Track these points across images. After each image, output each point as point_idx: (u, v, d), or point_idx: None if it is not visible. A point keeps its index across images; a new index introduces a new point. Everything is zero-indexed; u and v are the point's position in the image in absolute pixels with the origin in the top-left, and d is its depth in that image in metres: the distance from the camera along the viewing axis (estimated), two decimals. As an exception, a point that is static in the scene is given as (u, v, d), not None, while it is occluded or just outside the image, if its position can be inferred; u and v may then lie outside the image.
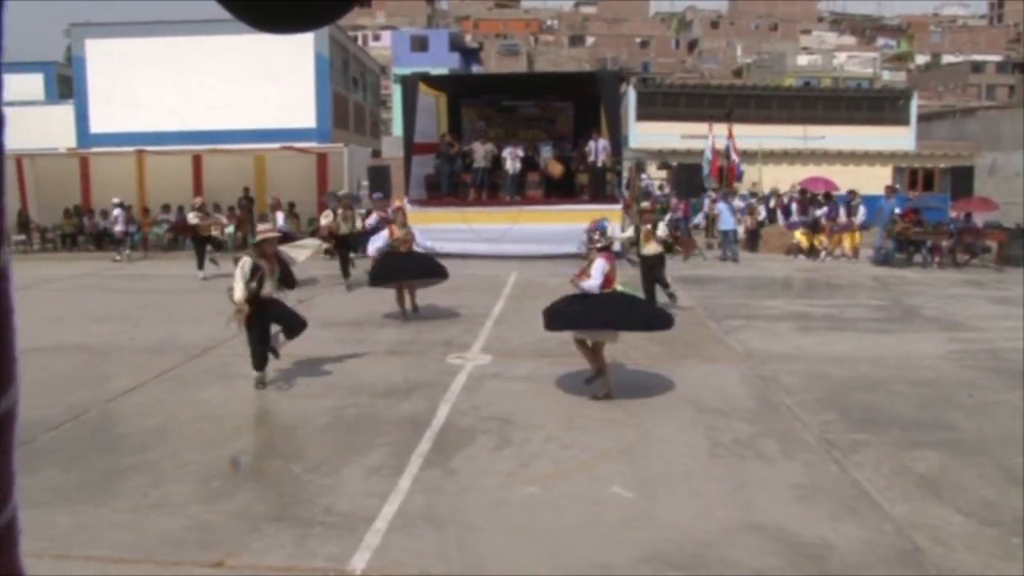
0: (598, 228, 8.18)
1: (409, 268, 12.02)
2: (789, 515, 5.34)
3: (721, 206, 20.98)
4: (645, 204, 14.00)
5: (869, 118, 34.30)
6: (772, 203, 24.39)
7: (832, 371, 9.18)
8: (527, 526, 5.19)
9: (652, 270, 12.45)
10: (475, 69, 56.86)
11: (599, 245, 8.08)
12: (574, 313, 8.03)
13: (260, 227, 9.25)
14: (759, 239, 22.29)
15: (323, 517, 5.31)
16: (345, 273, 15.42)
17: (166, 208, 23.46)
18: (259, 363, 8.47)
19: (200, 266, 16.60)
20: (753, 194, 25.24)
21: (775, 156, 31.12)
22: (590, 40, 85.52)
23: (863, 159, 32.27)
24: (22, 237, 22.51)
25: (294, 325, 8.59)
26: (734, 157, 23.55)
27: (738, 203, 22.05)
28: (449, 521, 5.27)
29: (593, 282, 7.89)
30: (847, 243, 20.78)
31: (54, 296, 14.44)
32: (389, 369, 9.27)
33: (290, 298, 12.62)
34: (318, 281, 15.90)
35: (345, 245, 15.69)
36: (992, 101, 61.56)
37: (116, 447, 6.75)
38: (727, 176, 23.65)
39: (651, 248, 12.37)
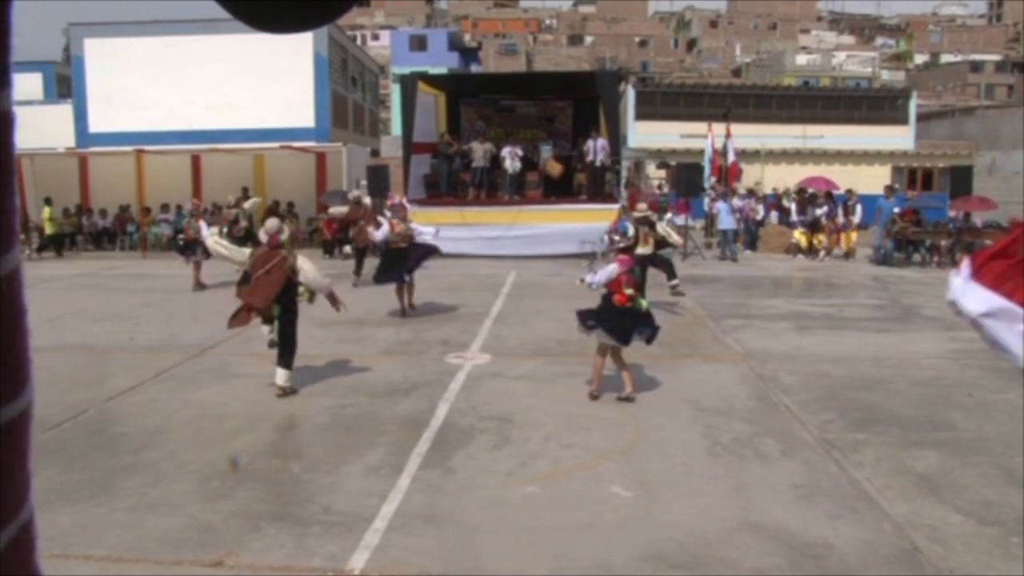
0: (619, 229, 8.18)
1: (405, 260, 12.20)
2: (788, 515, 5.34)
3: (720, 206, 20.98)
4: (642, 206, 13.77)
5: (868, 117, 34.31)
6: (784, 201, 24.21)
7: (831, 370, 9.18)
8: (526, 525, 5.19)
9: (645, 270, 12.42)
10: (474, 69, 56.86)
11: (620, 245, 8.13)
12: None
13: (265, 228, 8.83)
14: (758, 239, 22.28)
15: (322, 516, 5.31)
16: (358, 271, 15.62)
17: (165, 208, 23.46)
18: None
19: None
20: (751, 193, 25.19)
21: (774, 155, 31.15)
22: (589, 40, 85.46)
23: (862, 158, 32.29)
24: (20, 236, 22.48)
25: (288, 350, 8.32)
26: (731, 157, 23.52)
27: (736, 203, 22.03)
28: (448, 521, 5.26)
29: (596, 278, 7.91)
30: (844, 243, 20.80)
31: (53, 296, 14.43)
32: (388, 368, 9.27)
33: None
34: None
35: (364, 248, 15.87)
36: (991, 100, 61.57)
37: (115, 447, 6.75)
38: (727, 176, 23.63)
39: (647, 249, 12.35)
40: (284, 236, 8.42)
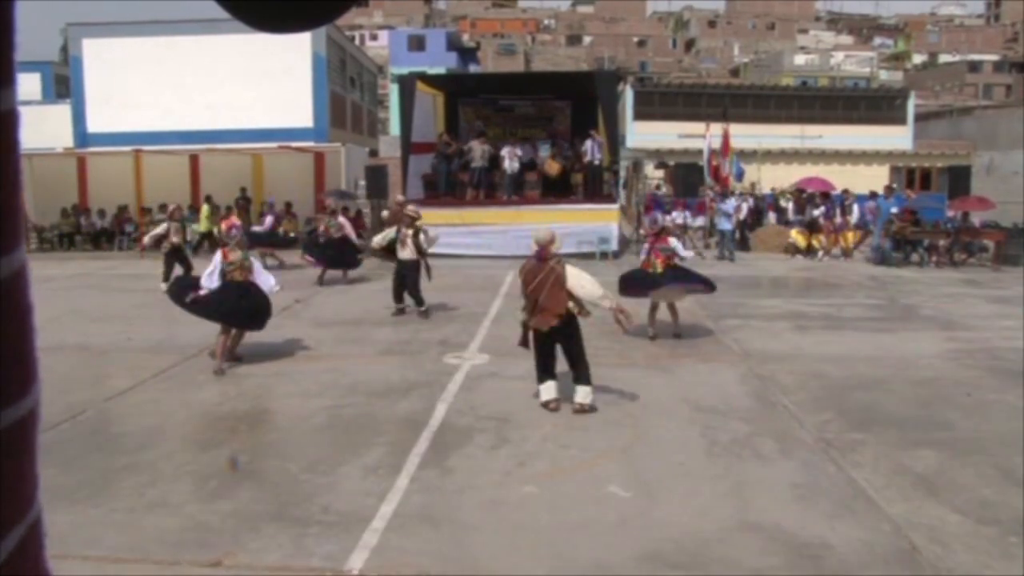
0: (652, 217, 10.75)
1: (232, 311, 9.23)
2: (787, 514, 5.34)
3: (718, 206, 20.98)
4: (411, 208, 12.78)
5: (866, 117, 34.33)
6: (781, 201, 24.24)
7: (830, 370, 9.19)
8: (524, 525, 5.19)
9: (405, 276, 12.20)
10: (472, 69, 56.82)
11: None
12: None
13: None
14: (749, 239, 22.20)
15: (320, 516, 5.30)
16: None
17: (163, 208, 23.42)
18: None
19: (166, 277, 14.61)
20: (743, 193, 25.12)
21: (772, 156, 31.13)
22: (587, 40, 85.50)
23: (860, 158, 32.30)
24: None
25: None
26: (723, 159, 23.43)
27: (731, 203, 21.87)
28: (446, 521, 5.26)
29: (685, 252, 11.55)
30: (842, 242, 20.82)
31: (52, 296, 14.40)
32: (386, 368, 9.26)
33: (289, 297, 12.63)
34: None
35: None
36: (989, 100, 61.58)
37: (113, 447, 6.74)
38: (720, 176, 23.59)
39: (407, 253, 12.09)
40: (556, 247, 7.64)
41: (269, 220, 19.40)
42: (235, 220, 11.61)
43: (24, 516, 0.52)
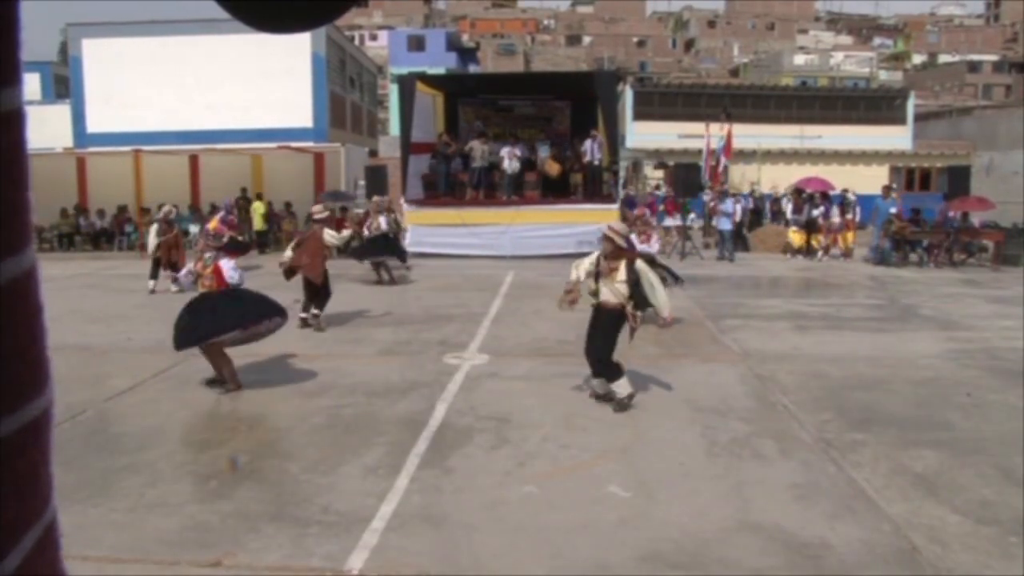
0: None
1: (213, 322, 8.21)
2: (787, 515, 5.34)
3: (719, 206, 20.98)
4: (317, 208, 12.35)
5: (866, 117, 34.36)
6: (783, 201, 24.25)
7: (829, 370, 9.19)
8: (524, 525, 5.19)
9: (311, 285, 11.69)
10: (472, 69, 56.82)
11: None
12: None
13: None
14: (747, 239, 22.19)
15: (320, 517, 5.30)
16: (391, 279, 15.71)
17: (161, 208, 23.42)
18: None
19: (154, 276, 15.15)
20: (735, 194, 25.07)
21: (772, 156, 31.16)
22: (587, 40, 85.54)
23: (860, 159, 32.33)
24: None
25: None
26: (722, 159, 23.43)
27: (729, 203, 21.83)
28: (446, 521, 5.26)
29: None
30: (842, 242, 20.85)
31: (51, 296, 14.29)
32: (386, 369, 9.27)
33: (287, 298, 12.61)
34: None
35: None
36: (989, 100, 61.57)
37: (113, 447, 6.74)
38: (715, 176, 23.58)
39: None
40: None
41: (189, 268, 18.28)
42: (214, 223, 11.58)
43: (40, 517, 0.52)
